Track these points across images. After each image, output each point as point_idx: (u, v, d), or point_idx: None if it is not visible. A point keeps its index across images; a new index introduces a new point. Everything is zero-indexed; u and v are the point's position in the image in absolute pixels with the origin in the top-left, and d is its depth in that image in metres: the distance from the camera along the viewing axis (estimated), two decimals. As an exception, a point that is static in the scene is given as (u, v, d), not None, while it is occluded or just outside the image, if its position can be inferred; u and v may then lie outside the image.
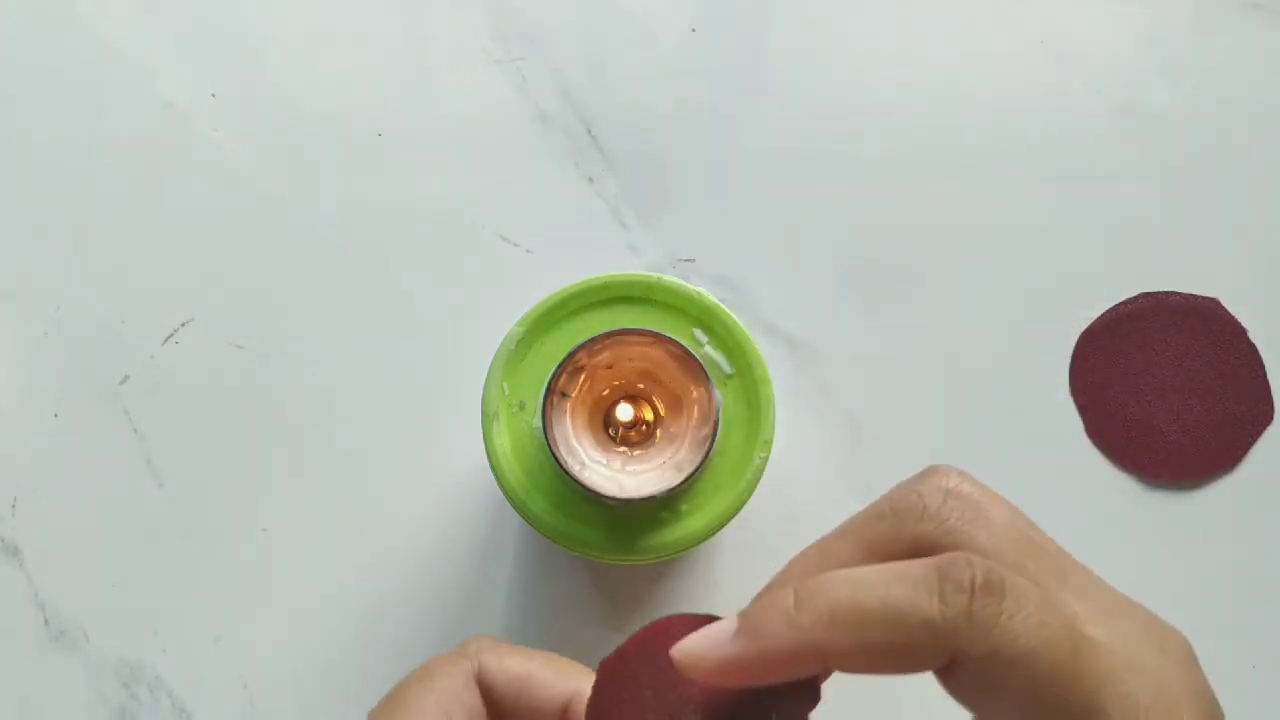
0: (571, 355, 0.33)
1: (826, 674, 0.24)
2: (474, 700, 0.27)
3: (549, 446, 0.33)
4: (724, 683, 0.23)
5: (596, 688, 0.24)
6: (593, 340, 0.33)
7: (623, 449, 0.35)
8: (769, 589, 0.25)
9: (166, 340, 0.45)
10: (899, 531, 0.23)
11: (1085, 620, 0.22)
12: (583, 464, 0.34)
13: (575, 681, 0.27)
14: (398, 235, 0.46)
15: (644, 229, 0.46)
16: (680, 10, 0.48)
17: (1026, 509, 0.43)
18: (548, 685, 0.27)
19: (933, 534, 0.23)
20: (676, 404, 0.35)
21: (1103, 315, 0.45)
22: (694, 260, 0.46)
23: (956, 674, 0.21)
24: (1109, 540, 0.43)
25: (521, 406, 0.35)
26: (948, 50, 0.48)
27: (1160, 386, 0.44)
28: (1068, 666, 0.21)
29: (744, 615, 0.23)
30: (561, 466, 0.33)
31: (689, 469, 0.33)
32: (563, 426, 0.34)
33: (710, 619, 0.24)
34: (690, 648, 0.23)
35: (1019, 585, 0.21)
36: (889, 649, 0.21)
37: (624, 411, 0.35)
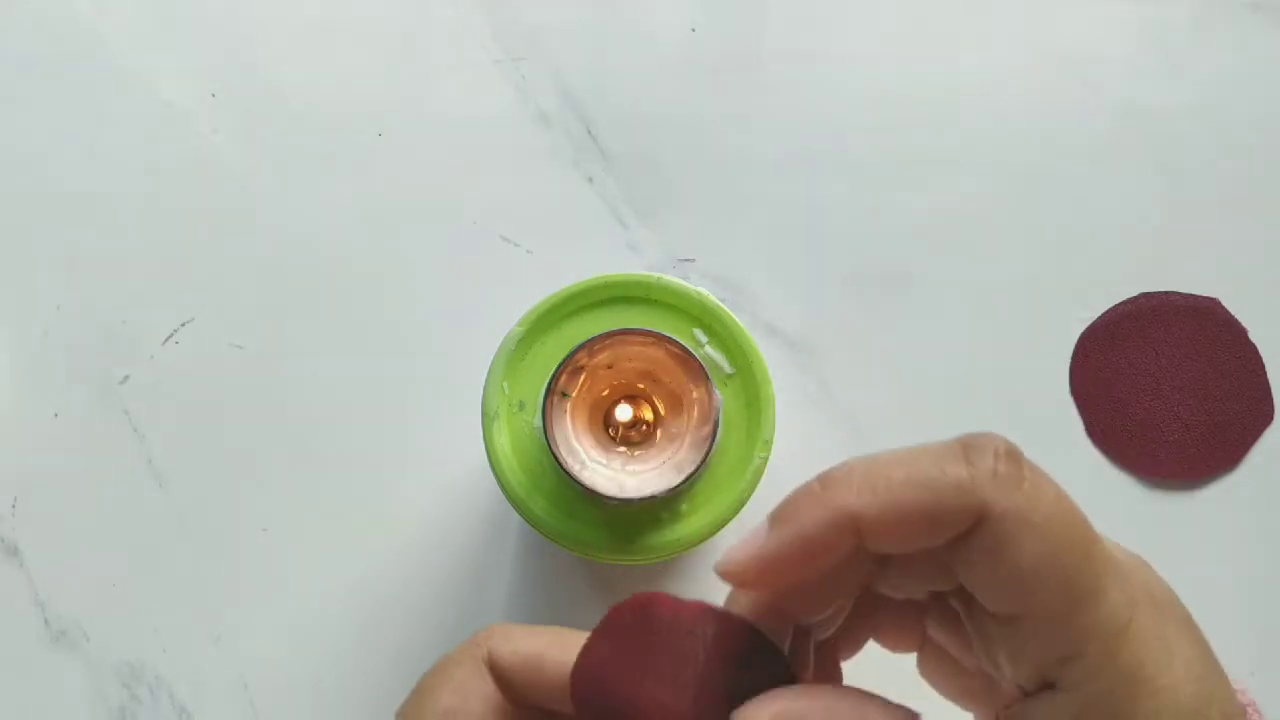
0: (571, 355, 0.33)
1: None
2: (487, 686, 0.27)
3: (549, 446, 0.33)
4: (768, 583, 0.23)
5: (589, 655, 0.24)
6: (593, 340, 0.33)
7: (623, 449, 0.35)
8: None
9: (166, 340, 0.45)
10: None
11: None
12: (583, 464, 0.34)
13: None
14: (398, 235, 0.46)
15: (644, 229, 0.46)
16: (680, 10, 0.48)
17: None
18: (556, 662, 0.27)
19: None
20: (676, 404, 0.35)
21: (1103, 315, 0.45)
22: (694, 260, 0.46)
23: (973, 541, 0.22)
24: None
25: (521, 406, 0.35)
26: (948, 50, 0.48)
27: (1160, 386, 0.44)
28: (1080, 547, 0.22)
29: (774, 511, 0.23)
30: (561, 466, 0.33)
31: (689, 469, 0.33)
32: (563, 426, 0.34)
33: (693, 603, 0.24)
34: (729, 554, 0.23)
35: (1039, 469, 0.22)
36: (920, 511, 0.22)
37: (624, 411, 0.35)
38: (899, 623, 0.28)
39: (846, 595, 0.25)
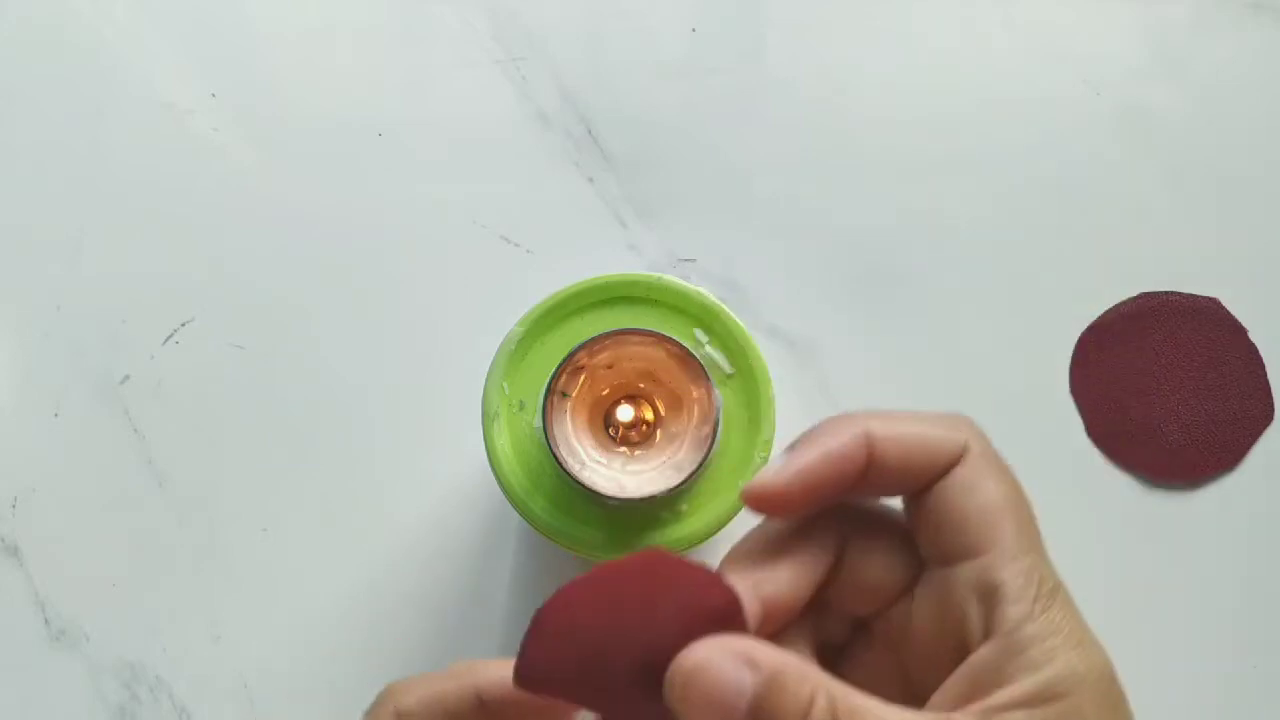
0: (571, 355, 0.33)
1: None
2: None
3: (549, 446, 0.33)
4: (787, 502, 0.25)
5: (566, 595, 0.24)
6: (593, 340, 0.33)
7: (623, 449, 0.35)
8: None
9: (166, 340, 0.45)
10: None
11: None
12: (583, 464, 0.34)
13: (473, 676, 0.28)
14: (398, 235, 0.46)
15: (644, 229, 0.46)
16: (680, 10, 0.48)
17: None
18: (453, 691, 0.28)
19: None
20: (676, 404, 0.35)
21: (1103, 315, 0.45)
22: (694, 260, 0.46)
23: (952, 477, 0.25)
24: (1109, 540, 0.43)
25: (521, 406, 0.35)
26: (948, 50, 0.48)
27: (1160, 386, 0.44)
28: (1029, 507, 0.26)
29: (795, 440, 0.26)
30: (561, 466, 0.33)
31: (689, 469, 0.33)
32: (563, 426, 0.34)
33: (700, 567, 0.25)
34: (756, 479, 0.26)
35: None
36: (919, 438, 0.25)
37: (624, 411, 0.35)
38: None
39: (813, 576, 0.27)
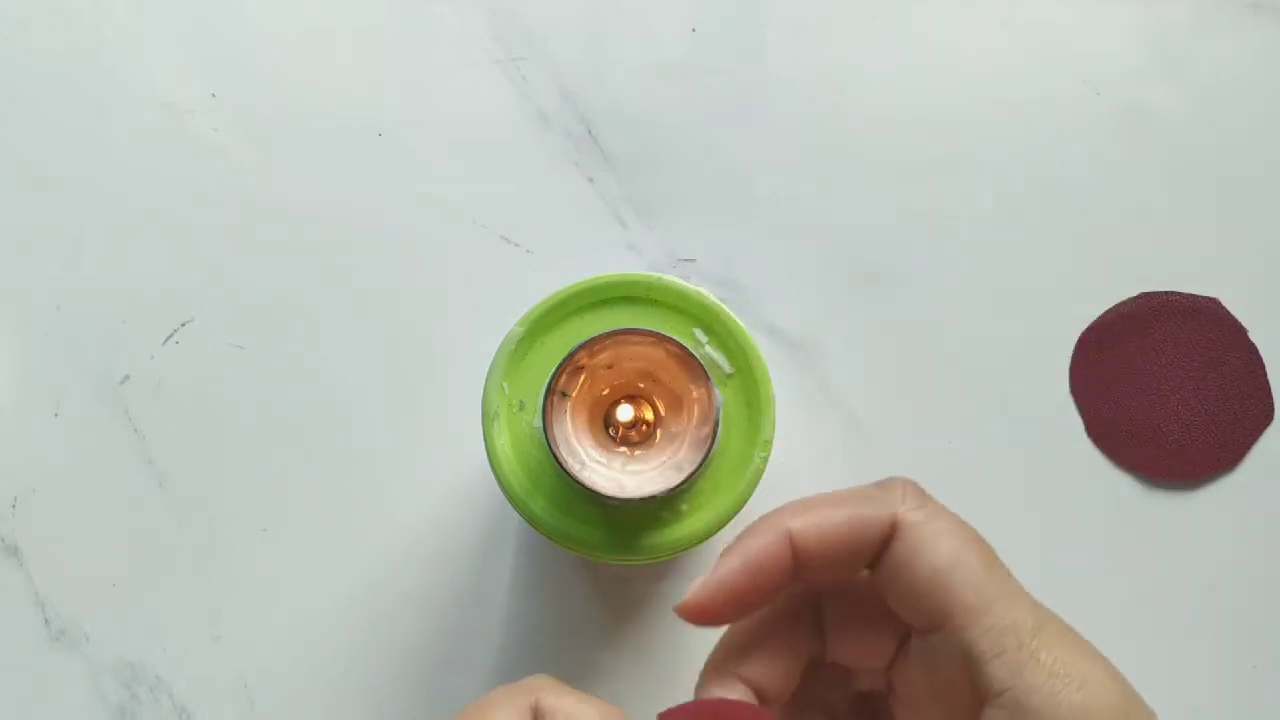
0: (571, 355, 0.33)
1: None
2: None
3: (549, 446, 0.33)
4: (721, 613, 0.26)
5: None
6: (593, 340, 0.33)
7: (623, 449, 0.35)
8: None
9: (166, 340, 0.45)
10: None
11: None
12: (583, 464, 0.34)
13: None
14: (398, 235, 0.46)
15: (644, 229, 0.46)
16: (680, 10, 0.48)
17: (1027, 508, 0.44)
18: None
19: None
20: (676, 404, 0.35)
21: (1103, 315, 0.45)
22: (694, 260, 0.46)
23: (892, 552, 0.25)
24: (1109, 540, 0.44)
25: (521, 406, 0.35)
26: (948, 50, 0.48)
27: (1160, 386, 0.44)
28: (985, 553, 0.25)
29: (721, 552, 0.27)
30: (561, 466, 0.33)
31: (689, 469, 0.33)
32: (563, 426, 0.34)
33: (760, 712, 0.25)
34: (687, 595, 0.26)
35: (939, 502, 0.26)
36: (844, 523, 0.25)
37: (624, 411, 0.35)
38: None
39: (798, 659, 0.27)
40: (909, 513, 0.25)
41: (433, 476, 0.43)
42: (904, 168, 0.46)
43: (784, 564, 0.26)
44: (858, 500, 0.26)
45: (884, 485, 0.27)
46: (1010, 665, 0.23)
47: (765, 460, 0.35)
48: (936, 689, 0.25)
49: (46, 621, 0.43)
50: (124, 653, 0.42)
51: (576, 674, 0.42)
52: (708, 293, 0.36)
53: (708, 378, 0.33)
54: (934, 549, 0.25)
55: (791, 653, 0.27)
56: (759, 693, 0.26)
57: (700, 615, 0.26)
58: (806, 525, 0.26)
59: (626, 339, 0.33)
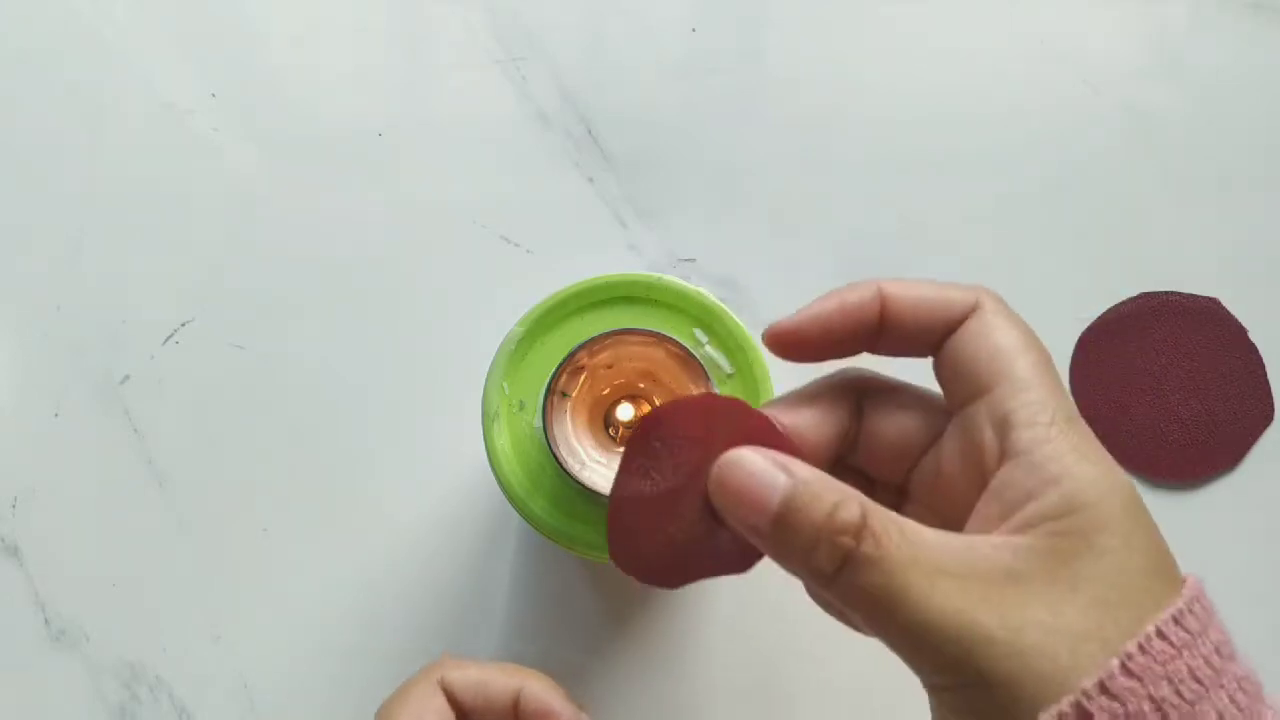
0: (571, 355, 0.33)
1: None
2: (441, 703, 0.32)
3: (549, 446, 0.33)
4: (804, 343, 0.27)
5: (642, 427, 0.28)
6: (593, 340, 0.33)
7: (623, 449, 0.35)
8: None
9: (166, 340, 0.45)
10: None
11: None
12: (583, 464, 0.34)
13: (522, 679, 0.32)
14: (398, 235, 0.46)
15: (644, 229, 0.46)
16: (680, 10, 0.48)
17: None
18: (498, 682, 0.32)
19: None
20: (676, 404, 0.35)
21: (1103, 315, 0.45)
22: (694, 260, 0.46)
23: (966, 327, 0.27)
24: (1109, 540, 0.43)
25: (521, 406, 0.35)
26: (948, 50, 0.48)
27: (1160, 386, 0.44)
28: (1046, 351, 0.27)
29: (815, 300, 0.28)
30: (561, 466, 0.33)
31: (689, 469, 0.33)
32: (563, 426, 0.34)
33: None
34: (775, 322, 0.28)
35: None
36: (932, 295, 0.27)
37: (624, 411, 0.35)
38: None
39: (834, 427, 0.29)
40: (991, 301, 0.27)
41: (433, 476, 0.43)
42: (904, 167, 0.46)
43: (871, 317, 0.27)
44: (947, 284, 0.28)
45: (966, 285, 0.28)
46: (1038, 434, 0.25)
47: (765, 460, 0.35)
48: (962, 459, 0.27)
49: (46, 621, 0.43)
50: (124, 653, 0.42)
51: (577, 673, 0.42)
52: (708, 293, 0.36)
53: (708, 378, 0.33)
54: (1004, 332, 0.26)
55: (828, 419, 0.28)
56: (796, 438, 0.28)
57: (788, 339, 0.28)
58: (901, 290, 0.27)
59: (626, 339, 0.33)
